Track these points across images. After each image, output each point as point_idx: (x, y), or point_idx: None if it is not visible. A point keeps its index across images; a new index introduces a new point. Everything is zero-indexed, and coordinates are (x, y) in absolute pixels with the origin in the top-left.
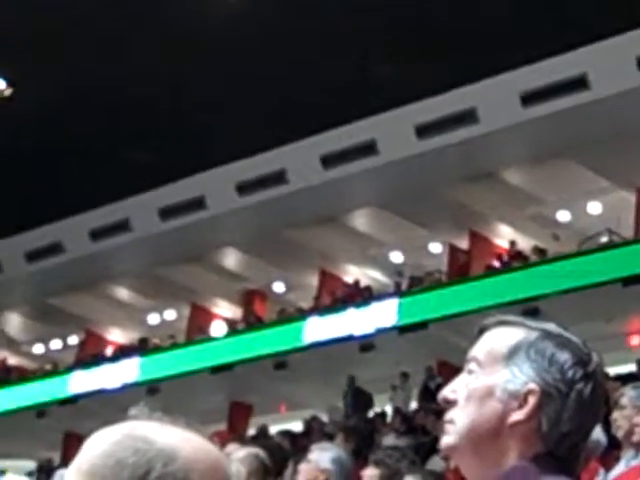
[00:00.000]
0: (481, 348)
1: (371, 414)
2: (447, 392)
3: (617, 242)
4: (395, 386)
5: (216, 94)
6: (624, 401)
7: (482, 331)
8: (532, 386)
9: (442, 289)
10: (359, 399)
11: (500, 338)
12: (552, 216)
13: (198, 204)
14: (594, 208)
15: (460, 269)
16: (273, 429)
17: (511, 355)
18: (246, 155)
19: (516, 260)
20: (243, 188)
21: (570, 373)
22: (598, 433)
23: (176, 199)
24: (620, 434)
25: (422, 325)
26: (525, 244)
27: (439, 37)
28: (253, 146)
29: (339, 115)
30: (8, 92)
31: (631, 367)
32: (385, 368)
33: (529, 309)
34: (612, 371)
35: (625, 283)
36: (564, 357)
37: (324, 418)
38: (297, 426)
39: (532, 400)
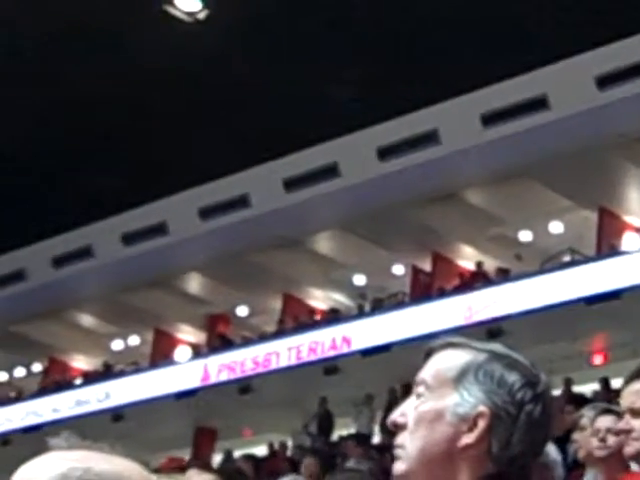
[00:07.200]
0: (429, 371)
1: (335, 437)
2: (396, 416)
3: (579, 260)
4: (360, 408)
5: (178, 118)
6: (584, 422)
7: (429, 353)
8: (482, 409)
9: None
10: (325, 422)
11: (448, 361)
12: (514, 236)
13: (160, 229)
14: (556, 227)
15: (423, 290)
16: (238, 454)
17: (460, 378)
18: (208, 180)
19: (479, 280)
20: (205, 213)
21: (519, 394)
22: (554, 453)
23: (138, 225)
24: (581, 455)
25: (385, 347)
26: (487, 264)
27: (400, 58)
28: (215, 171)
29: (301, 139)
30: None
31: (594, 386)
32: (349, 391)
33: (493, 330)
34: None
35: (588, 302)
36: (513, 378)
37: (289, 442)
38: (262, 450)
39: (482, 423)
